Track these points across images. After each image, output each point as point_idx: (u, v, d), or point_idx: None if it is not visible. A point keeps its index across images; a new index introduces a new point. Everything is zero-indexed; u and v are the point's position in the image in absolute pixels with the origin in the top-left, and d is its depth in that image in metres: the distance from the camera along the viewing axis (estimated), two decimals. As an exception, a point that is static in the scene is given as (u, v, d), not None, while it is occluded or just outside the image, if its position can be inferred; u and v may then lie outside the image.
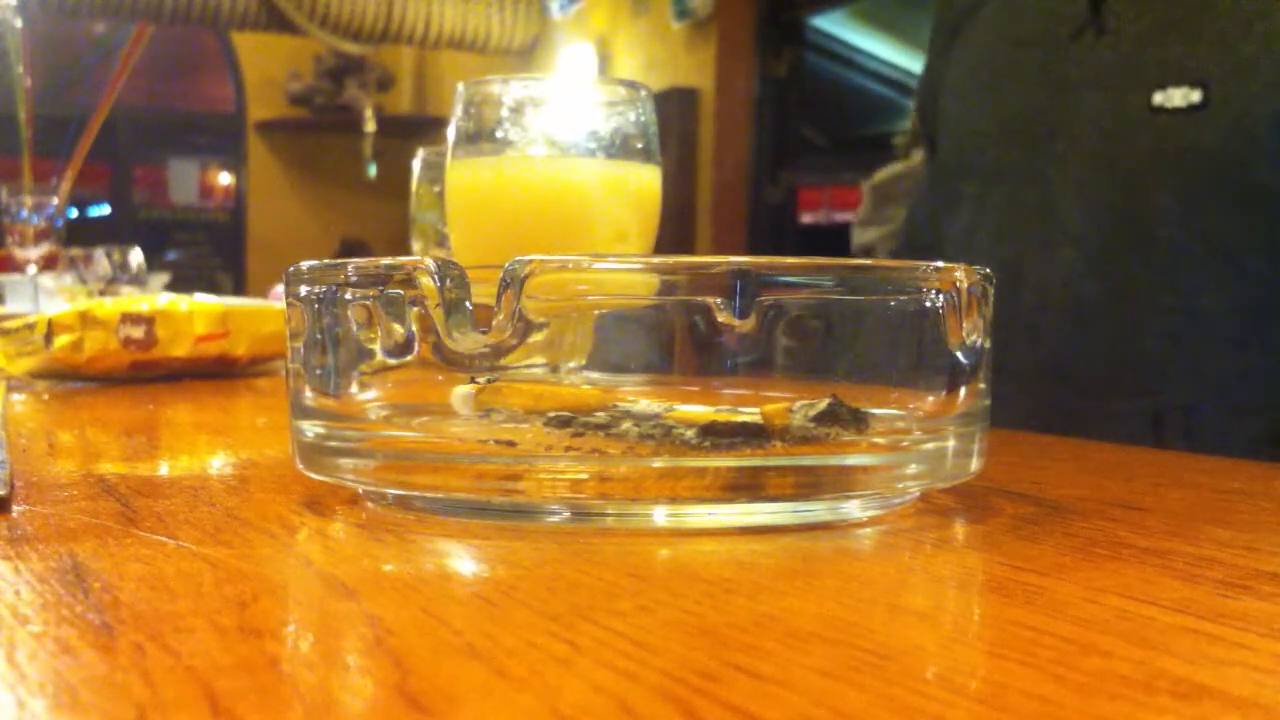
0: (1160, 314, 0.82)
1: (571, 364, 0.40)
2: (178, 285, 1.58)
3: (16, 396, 0.77)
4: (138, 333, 0.84)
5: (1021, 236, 0.89)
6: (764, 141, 3.54)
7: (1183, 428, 0.82)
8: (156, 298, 0.91)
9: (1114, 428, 0.84)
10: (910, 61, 3.25)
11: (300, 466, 0.38)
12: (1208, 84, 0.80)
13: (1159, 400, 0.83)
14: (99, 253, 1.61)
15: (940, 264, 0.35)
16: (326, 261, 0.37)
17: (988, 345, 0.37)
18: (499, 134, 0.61)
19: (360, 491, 0.38)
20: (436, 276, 0.33)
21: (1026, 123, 0.90)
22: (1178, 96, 0.81)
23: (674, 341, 0.35)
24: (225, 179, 5.54)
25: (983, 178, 0.93)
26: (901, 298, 0.36)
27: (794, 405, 0.34)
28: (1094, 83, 0.85)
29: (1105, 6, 0.85)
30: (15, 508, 0.36)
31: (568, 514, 0.34)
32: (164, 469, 0.50)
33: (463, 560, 0.32)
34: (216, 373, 0.91)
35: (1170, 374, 0.83)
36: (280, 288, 0.41)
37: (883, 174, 1.64)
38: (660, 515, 0.34)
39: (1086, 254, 0.85)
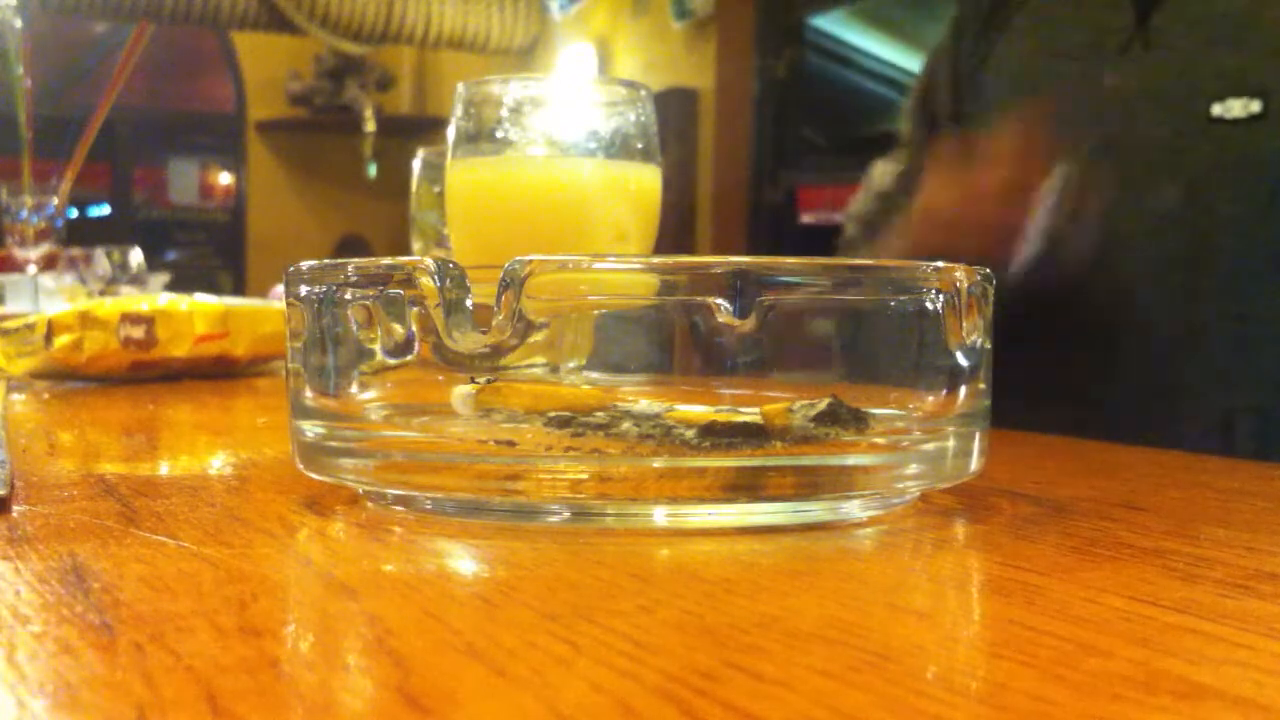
0: (1223, 320, 0.83)
1: (571, 364, 0.40)
2: (178, 285, 1.58)
3: (16, 396, 0.77)
4: (138, 333, 0.84)
5: None
6: (764, 141, 3.53)
7: (1252, 429, 0.82)
8: (156, 298, 0.91)
9: (1182, 428, 0.84)
10: (910, 61, 3.24)
11: (300, 466, 0.38)
12: (1268, 94, 0.80)
13: (1227, 403, 0.83)
14: (99, 253, 1.61)
15: (940, 264, 0.35)
16: (326, 261, 0.37)
17: (988, 345, 0.37)
18: (499, 134, 0.61)
19: (360, 491, 0.38)
20: (436, 276, 0.33)
21: (1077, 133, 0.89)
22: (1237, 107, 0.81)
23: (674, 341, 0.35)
24: (225, 179, 5.54)
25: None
26: (901, 298, 0.36)
27: (794, 405, 0.34)
28: (1148, 95, 0.86)
29: (1151, 19, 0.85)
30: (15, 508, 0.36)
31: (568, 514, 0.34)
32: (164, 469, 0.50)
33: (463, 560, 0.32)
34: (216, 373, 0.91)
35: (1235, 377, 0.83)
36: (280, 288, 0.41)
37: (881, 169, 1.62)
38: (660, 515, 0.34)
39: (1147, 262, 0.86)
